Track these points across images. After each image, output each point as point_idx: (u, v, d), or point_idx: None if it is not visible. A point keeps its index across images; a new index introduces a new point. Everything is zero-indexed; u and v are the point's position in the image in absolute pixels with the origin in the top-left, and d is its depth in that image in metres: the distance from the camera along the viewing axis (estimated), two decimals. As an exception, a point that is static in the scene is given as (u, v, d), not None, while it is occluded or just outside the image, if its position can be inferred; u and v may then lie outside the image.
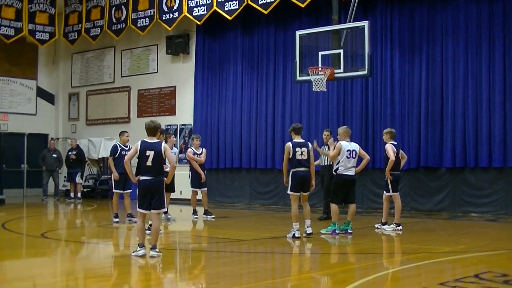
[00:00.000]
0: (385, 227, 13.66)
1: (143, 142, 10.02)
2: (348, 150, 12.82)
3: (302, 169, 12.25)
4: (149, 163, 9.93)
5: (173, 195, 22.32)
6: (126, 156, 10.27)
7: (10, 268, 9.51)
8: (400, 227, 13.59)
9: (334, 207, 12.90)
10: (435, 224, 15.61)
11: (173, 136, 16.41)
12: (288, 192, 12.36)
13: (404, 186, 17.79)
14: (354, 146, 13.04)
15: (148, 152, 9.92)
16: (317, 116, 19.47)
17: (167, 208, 15.93)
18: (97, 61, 25.81)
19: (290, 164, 12.32)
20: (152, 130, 10.13)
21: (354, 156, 12.88)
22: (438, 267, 9.49)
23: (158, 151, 9.97)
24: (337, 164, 12.87)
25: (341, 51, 15.70)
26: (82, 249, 11.86)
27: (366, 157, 13.20)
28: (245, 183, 21.36)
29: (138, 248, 9.95)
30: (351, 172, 12.89)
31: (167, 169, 11.07)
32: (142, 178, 9.94)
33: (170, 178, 10.66)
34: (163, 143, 10.18)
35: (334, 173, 12.97)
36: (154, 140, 10.09)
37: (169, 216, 15.94)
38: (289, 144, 12.36)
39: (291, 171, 12.28)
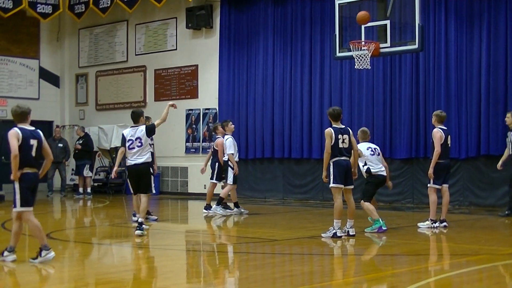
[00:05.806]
0: (420, 224, 13.83)
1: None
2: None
3: (344, 158, 12.34)
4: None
5: (196, 189, 22.46)
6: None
7: (12, 273, 9.63)
8: (445, 224, 13.72)
9: (368, 205, 13.20)
10: (498, 221, 15.51)
11: (231, 122, 17.02)
12: (331, 185, 12.36)
13: (462, 178, 17.70)
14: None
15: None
16: (360, 97, 19.39)
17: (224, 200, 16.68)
18: (107, 37, 25.94)
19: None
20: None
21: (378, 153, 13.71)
22: (502, 272, 9.46)
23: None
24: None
25: (388, 22, 15.62)
26: (93, 251, 12.01)
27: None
28: (277, 175, 21.36)
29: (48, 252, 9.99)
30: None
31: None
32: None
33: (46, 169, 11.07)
34: None
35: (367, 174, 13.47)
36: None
37: (242, 210, 16.67)
38: (330, 129, 12.40)
39: (331, 161, 12.31)
